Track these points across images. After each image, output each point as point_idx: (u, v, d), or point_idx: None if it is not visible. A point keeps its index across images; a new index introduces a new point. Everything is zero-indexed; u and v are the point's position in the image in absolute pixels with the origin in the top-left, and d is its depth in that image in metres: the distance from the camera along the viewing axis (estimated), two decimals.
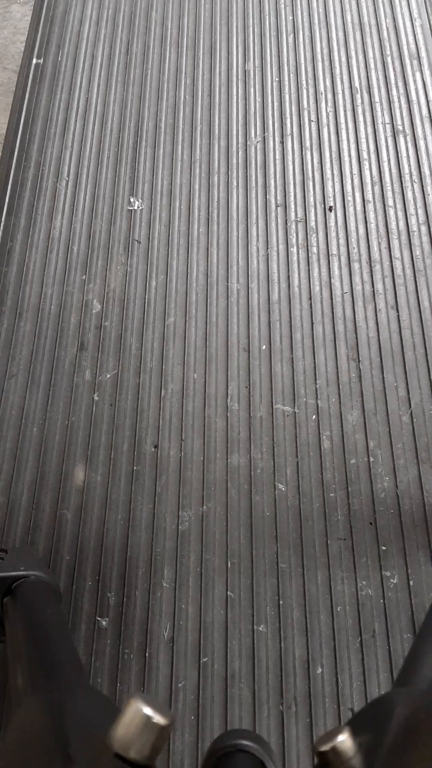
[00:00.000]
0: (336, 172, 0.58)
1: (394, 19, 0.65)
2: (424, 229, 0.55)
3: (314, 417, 0.49)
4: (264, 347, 0.52)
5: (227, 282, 0.55)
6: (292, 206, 0.57)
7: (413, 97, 0.61)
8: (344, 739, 0.24)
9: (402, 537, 0.45)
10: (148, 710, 0.21)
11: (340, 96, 0.61)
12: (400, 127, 0.59)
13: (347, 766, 0.23)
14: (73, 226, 0.58)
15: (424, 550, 0.45)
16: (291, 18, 0.66)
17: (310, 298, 0.53)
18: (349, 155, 0.59)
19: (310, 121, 0.61)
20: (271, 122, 0.61)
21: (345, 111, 0.61)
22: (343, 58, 0.64)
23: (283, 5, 0.67)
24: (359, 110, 0.61)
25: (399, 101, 0.61)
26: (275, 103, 0.62)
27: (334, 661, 0.42)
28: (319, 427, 0.48)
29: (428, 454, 0.48)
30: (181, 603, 0.44)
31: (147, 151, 0.61)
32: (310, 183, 0.58)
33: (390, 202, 0.56)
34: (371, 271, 0.54)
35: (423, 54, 0.63)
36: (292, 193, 0.57)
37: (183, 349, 0.52)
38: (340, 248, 0.55)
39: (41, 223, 0.59)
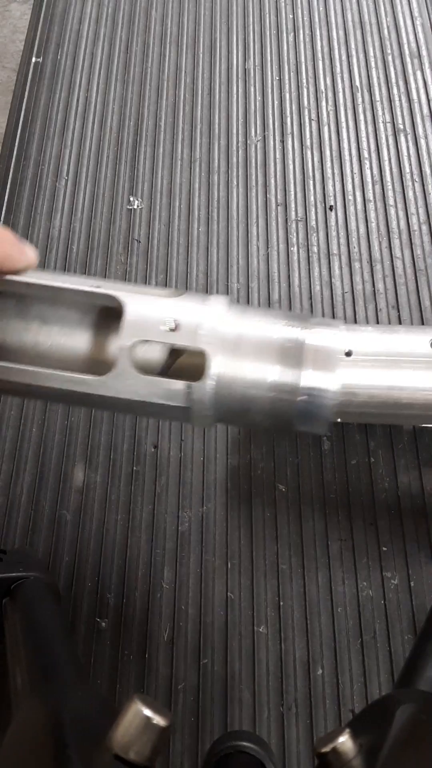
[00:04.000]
0: (336, 171, 0.58)
1: (395, 18, 0.65)
2: (425, 228, 0.55)
3: None
4: None
5: (227, 281, 0.55)
6: (293, 205, 0.57)
7: (414, 95, 0.61)
8: (345, 741, 0.24)
9: (403, 538, 0.45)
10: (147, 711, 0.21)
11: (340, 95, 0.61)
12: (401, 126, 0.59)
13: (348, 767, 0.23)
14: (72, 225, 0.58)
15: (426, 550, 0.45)
16: (291, 17, 0.66)
17: (311, 298, 0.53)
18: (350, 154, 0.58)
19: (310, 119, 0.61)
20: (271, 121, 0.61)
21: (345, 110, 0.61)
22: (344, 57, 0.63)
23: (283, 4, 0.67)
24: (360, 109, 0.60)
25: (400, 100, 0.61)
26: (275, 102, 0.62)
27: (334, 662, 0.42)
28: None
29: (429, 454, 0.47)
30: (180, 604, 0.44)
31: (146, 150, 0.61)
32: (311, 182, 0.58)
33: (391, 201, 0.56)
34: (372, 270, 0.54)
35: (424, 52, 0.63)
36: (292, 192, 0.57)
37: None
38: (340, 247, 0.55)
39: (40, 222, 0.59)
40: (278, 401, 0.29)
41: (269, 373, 0.29)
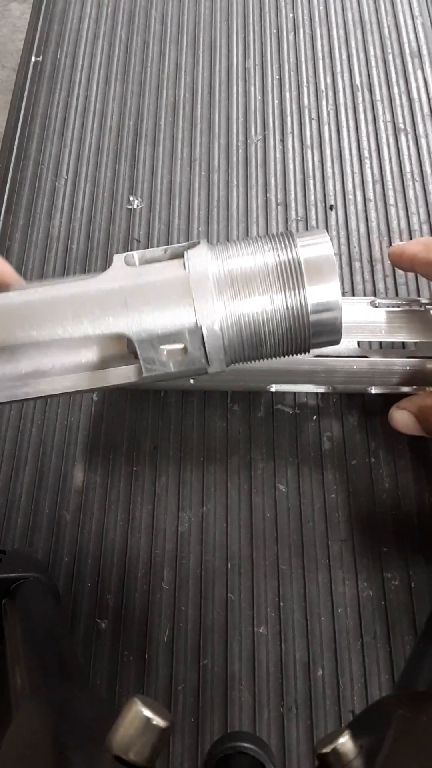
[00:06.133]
0: (337, 170, 0.58)
1: (395, 17, 0.65)
2: (425, 228, 0.55)
3: (315, 417, 0.49)
4: None
5: None
6: (293, 205, 0.57)
7: (414, 95, 0.61)
8: (345, 741, 0.24)
9: (403, 538, 0.45)
10: (147, 712, 0.21)
11: (341, 94, 0.61)
12: (402, 126, 0.59)
13: None
14: (72, 224, 0.58)
15: (426, 551, 0.44)
16: (291, 15, 0.66)
17: None
18: (350, 153, 0.58)
19: (310, 119, 0.60)
20: (271, 120, 0.61)
21: (346, 109, 0.60)
22: (344, 56, 0.63)
23: (283, 3, 0.67)
24: (360, 108, 0.60)
25: (400, 99, 0.61)
26: (275, 101, 0.62)
27: (334, 663, 0.42)
28: (320, 427, 0.48)
29: (429, 454, 0.47)
30: (180, 605, 0.44)
31: (146, 150, 0.61)
32: (311, 181, 0.57)
33: (391, 200, 0.56)
34: (372, 270, 0.54)
35: (424, 52, 0.63)
36: (292, 192, 0.57)
37: None
38: (340, 247, 0.55)
39: (40, 221, 0.59)
40: (290, 328, 0.28)
41: (275, 303, 0.28)
